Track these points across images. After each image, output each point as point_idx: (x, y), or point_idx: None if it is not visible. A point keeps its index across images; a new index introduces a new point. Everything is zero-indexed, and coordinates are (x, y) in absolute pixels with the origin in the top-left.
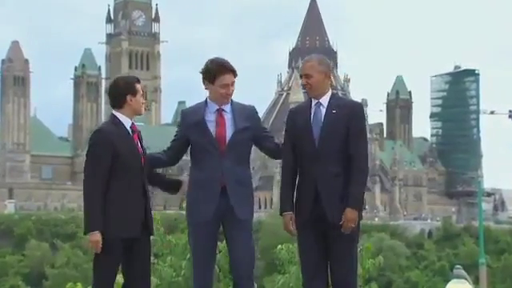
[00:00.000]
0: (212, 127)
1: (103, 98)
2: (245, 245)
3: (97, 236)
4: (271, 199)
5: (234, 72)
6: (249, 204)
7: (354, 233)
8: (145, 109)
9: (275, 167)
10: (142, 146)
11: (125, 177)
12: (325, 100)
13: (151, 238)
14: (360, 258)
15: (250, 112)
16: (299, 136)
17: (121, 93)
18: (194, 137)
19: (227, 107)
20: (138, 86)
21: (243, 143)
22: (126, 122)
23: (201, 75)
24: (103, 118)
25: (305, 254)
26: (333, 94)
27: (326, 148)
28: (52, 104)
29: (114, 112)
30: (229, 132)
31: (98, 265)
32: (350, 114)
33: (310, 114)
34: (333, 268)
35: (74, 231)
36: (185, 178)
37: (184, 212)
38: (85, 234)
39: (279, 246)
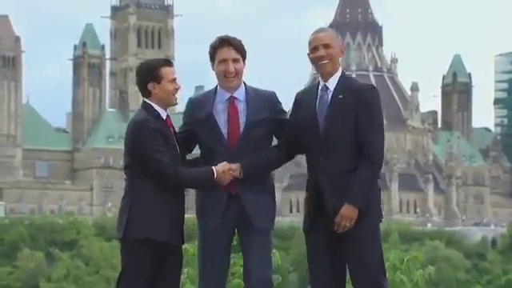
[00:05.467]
0: (222, 120)
1: (107, 82)
2: (261, 259)
3: (217, 171)
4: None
5: (235, 47)
6: (268, 210)
7: (371, 238)
8: (176, 99)
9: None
10: (178, 141)
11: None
12: (332, 82)
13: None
14: (407, 270)
15: (269, 99)
16: (303, 126)
17: (142, 81)
18: (200, 132)
19: (240, 94)
20: (164, 71)
21: (260, 138)
22: (162, 112)
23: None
24: (107, 106)
25: (311, 256)
26: (342, 75)
27: (332, 140)
28: (47, 89)
29: (146, 99)
30: (242, 125)
31: (126, 275)
32: (357, 98)
33: (316, 99)
34: (350, 273)
35: (73, 238)
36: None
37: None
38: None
39: None
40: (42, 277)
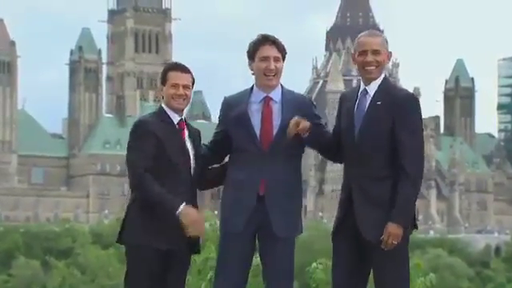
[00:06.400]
0: (256, 120)
1: (104, 86)
2: (281, 268)
3: (187, 208)
4: (305, 207)
5: (277, 45)
6: (292, 218)
7: (399, 250)
8: (179, 104)
9: (309, 169)
10: (195, 147)
11: (169, 177)
12: (373, 87)
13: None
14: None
15: (305, 102)
16: (341, 129)
17: (160, 79)
18: (233, 132)
19: (276, 95)
20: (170, 74)
21: (293, 141)
22: (173, 116)
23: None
24: (104, 112)
25: (335, 266)
26: (383, 80)
27: (366, 146)
28: (43, 94)
29: (162, 104)
30: (276, 127)
31: (129, 281)
32: (395, 105)
33: (356, 102)
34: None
35: (69, 246)
36: None
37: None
38: (124, 243)
39: (314, 263)
40: (38, 285)
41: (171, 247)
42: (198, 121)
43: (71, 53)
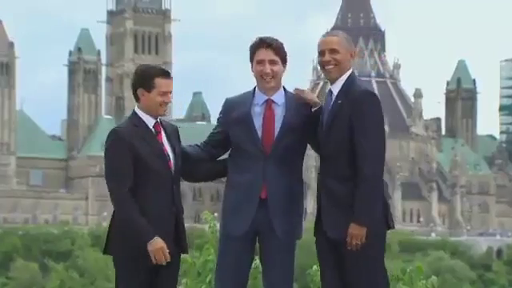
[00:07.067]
0: (258, 123)
1: (103, 88)
2: (281, 272)
3: (158, 242)
4: (305, 210)
5: (273, 48)
6: (294, 222)
7: (368, 251)
8: (165, 111)
9: (310, 171)
10: (174, 147)
11: (149, 184)
12: (337, 86)
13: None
14: (409, 281)
15: (308, 105)
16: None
17: (134, 84)
18: (234, 133)
19: (279, 97)
20: (158, 82)
21: (295, 144)
22: (148, 120)
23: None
24: (103, 113)
25: (318, 254)
26: (347, 79)
27: (330, 146)
28: (42, 95)
29: (136, 108)
30: (277, 129)
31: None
32: (353, 103)
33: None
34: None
35: (68, 249)
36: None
37: (199, 225)
38: (111, 254)
39: (315, 266)
40: None
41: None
42: (198, 122)
43: (70, 54)
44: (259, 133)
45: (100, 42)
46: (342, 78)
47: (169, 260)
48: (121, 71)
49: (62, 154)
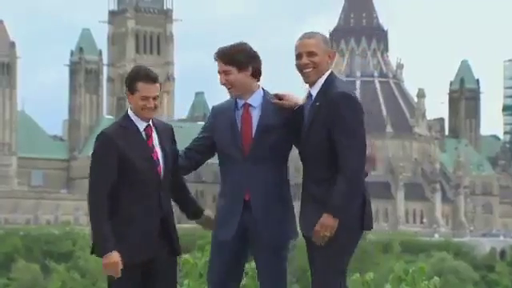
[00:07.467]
0: (238, 126)
1: (105, 88)
2: (272, 275)
3: (113, 257)
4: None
5: (222, 58)
6: (282, 223)
7: (334, 246)
8: (149, 115)
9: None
10: (165, 149)
11: (136, 189)
12: (315, 88)
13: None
14: (412, 282)
15: (290, 108)
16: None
17: (126, 84)
18: (218, 139)
19: (255, 100)
20: (141, 86)
21: (276, 144)
22: (140, 123)
23: None
24: (105, 113)
25: (308, 254)
26: (326, 80)
27: (309, 148)
28: (43, 96)
29: (129, 110)
30: (255, 131)
31: None
32: (330, 105)
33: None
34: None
35: (70, 249)
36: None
37: (201, 226)
38: (97, 255)
39: None
40: None
41: (149, 257)
42: (200, 122)
43: (71, 54)
44: (240, 136)
45: (101, 41)
46: (320, 80)
47: (119, 276)
48: (122, 71)
49: (63, 155)
